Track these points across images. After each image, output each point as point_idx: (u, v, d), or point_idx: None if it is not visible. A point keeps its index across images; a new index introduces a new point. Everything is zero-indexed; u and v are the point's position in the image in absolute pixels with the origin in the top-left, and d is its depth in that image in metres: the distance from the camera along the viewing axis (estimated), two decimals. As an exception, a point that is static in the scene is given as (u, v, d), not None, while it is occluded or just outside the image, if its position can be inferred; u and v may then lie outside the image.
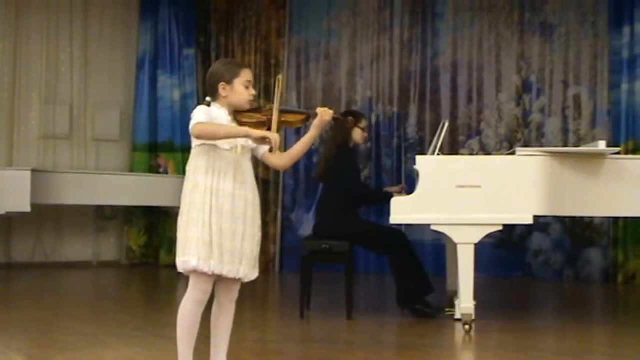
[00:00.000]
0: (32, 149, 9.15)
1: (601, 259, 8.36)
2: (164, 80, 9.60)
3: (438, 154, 5.20)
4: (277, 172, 9.36)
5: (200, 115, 3.34)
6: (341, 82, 9.40)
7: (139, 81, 9.62)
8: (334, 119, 3.64)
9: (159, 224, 9.55)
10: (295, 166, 9.34)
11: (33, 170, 7.78)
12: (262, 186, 9.41)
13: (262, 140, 3.33)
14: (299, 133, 8.04)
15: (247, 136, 3.34)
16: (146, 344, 4.59)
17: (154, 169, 9.46)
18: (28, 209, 7.64)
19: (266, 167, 9.24)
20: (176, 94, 9.58)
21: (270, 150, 3.38)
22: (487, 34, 8.92)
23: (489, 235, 5.03)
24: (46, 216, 9.04)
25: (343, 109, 9.00)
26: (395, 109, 9.15)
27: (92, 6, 9.57)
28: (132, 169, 9.52)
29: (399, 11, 9.22)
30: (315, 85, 9.48)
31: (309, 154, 9.25)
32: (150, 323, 5.32)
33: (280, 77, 3.55)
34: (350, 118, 5.94)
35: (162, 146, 9.50)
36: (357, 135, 5.94)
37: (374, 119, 9.16)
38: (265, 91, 9.39)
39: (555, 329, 5.59)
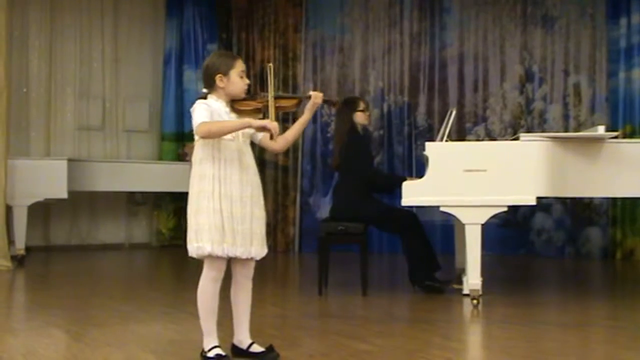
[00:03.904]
0: (67, 139, 9.17)
1: (600, 237, 8.31)
2: (189, 74, 9.61)
3: (446, 140, 5.17)
4: (296, 159, 9.35)
5: (201, 114, 3.30)
6: (355, 73, 9.36)
7: (166, 75, 9.62)
8: (324, 101, 3.60)
9: (186, 208, 9.51)
10: (313, 153, 9.34)
11: (69, 160, 7.79)
12: (281, 172, 9.43)
13: (263, 129, 3.31)
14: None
15: (248, 127, 3.31)
16: (175, 319, 4.60)
17: (180, 157, 9.47)
18: (65, 195, 7.67)
19: (286, 154, 9.26)
20: (201, 87, 9.55)
21: (271, 137, 3.34)
22: (491, 26, 8.86)
23: (494, 216, 4.99)
24: (82, 202, 9.08)
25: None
26: (405, 98, 9.10)
27: (122, 6, 9.56)
28: (160, 158, 9.54)
29: (409, 6, 9.16)
30: (330, 77, 9.44)
31: (325, 140, 9.24)
32: (179, 300, 5.32)
33: (270, 65, 3.51)
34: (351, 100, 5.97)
35: (188, 136, 9.45)
36: (360, 117, 5.84)
37: (385, 109, 9.13)
38: (283, 82, 9.38)
39: (557, 302, 5.56)
